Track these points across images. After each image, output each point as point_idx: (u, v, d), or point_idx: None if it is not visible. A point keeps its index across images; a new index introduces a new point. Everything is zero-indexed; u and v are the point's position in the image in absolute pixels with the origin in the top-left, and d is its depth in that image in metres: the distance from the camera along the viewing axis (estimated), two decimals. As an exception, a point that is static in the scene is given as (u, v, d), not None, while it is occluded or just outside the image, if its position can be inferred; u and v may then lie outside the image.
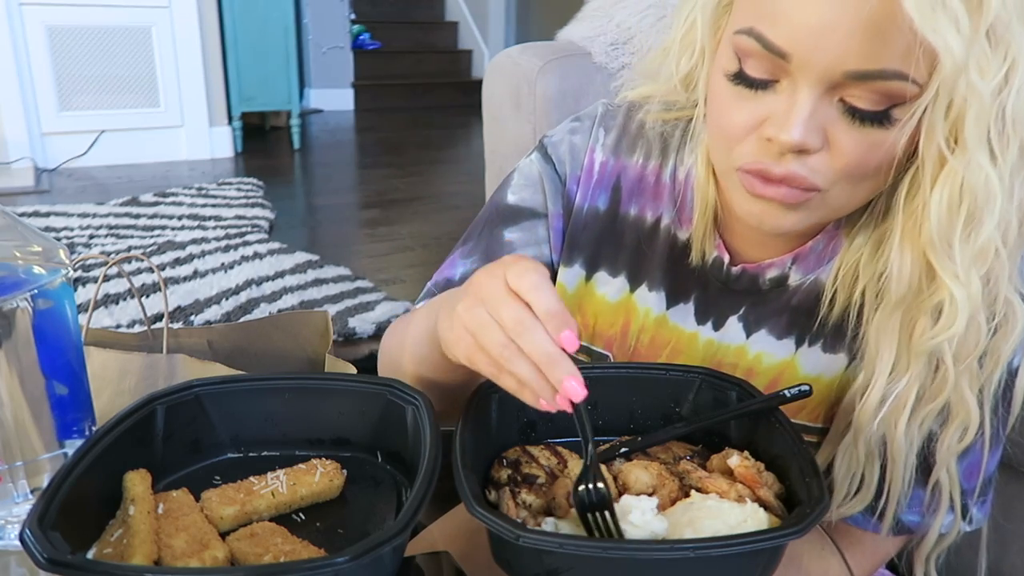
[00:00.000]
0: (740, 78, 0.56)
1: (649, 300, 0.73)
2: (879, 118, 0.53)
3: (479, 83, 1.74)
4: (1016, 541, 0.97)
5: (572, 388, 0.45)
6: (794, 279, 0.68)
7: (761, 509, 0.52)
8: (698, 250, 0.70)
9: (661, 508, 0.54)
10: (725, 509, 0.51)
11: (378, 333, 1.97)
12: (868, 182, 0.57)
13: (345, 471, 0.58)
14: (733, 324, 0.71)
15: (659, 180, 0.72)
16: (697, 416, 0.64)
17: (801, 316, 0.68)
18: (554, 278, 0.77)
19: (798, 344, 0.69)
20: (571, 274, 0.76)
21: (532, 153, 0.77)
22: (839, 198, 0.58)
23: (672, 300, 0.73)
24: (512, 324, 0.46)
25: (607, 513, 0.49)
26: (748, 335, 0.71)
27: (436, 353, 0.57)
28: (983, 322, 0.56)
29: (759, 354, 0.70)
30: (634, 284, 0.74)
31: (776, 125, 0.54)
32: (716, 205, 0.69)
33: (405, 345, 0.66)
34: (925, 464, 0.64)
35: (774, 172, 0.56)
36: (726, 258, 0.70)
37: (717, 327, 0.72)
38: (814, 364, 0.69)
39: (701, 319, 0.72)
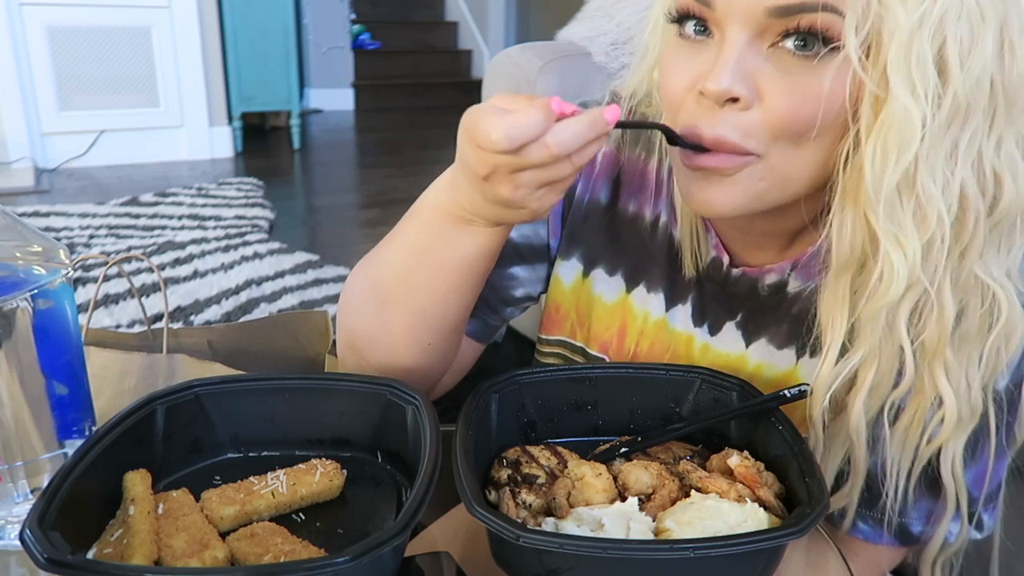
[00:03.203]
0: (679, 36, 0.57)
1: (649, 303, 0.73)
2: (809, 61, 0.51)
3: (479, 83, 1.74)
4: (1025, 546, 0.96)
5: (609, 117, 0.49)
6: (793, 286, 0.67)
7: (761, 509, 0.52)
8: (690, 260, 0.69)
9: (661, 508, 0.54)
10: (725, 509, 0.51)
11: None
12: (808, 146, 0.54)
13: (345, 471, 0.58)
14: (731, 330, 0.70)
15: (657, 177, 0.72)
16: (697, 416, 0.64)
17: (801, 326, 0.66)
18: (551, 264, 0.76)
19: (799, 355, 0.67)
20: (569, 267, 0.75)
21: None
22: (782, 164, 0.55)
23: (671, 302, 0.72)
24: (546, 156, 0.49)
25: None
26: (747, 344, 0.69)
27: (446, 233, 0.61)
28: (948, 302, 0.55)
29: (759, 364, 0.69)
30: (631, 284, 0.73)
31: (705, 76, 0.54)
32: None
33: (390, 261, 0.69)
34: (931, 473, 0.63)
35: (705, 135, 0.54)
36: (725, 259, 0.69)
37: (713, 331, 0.71)
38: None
39: (697, 321, 0.71)
